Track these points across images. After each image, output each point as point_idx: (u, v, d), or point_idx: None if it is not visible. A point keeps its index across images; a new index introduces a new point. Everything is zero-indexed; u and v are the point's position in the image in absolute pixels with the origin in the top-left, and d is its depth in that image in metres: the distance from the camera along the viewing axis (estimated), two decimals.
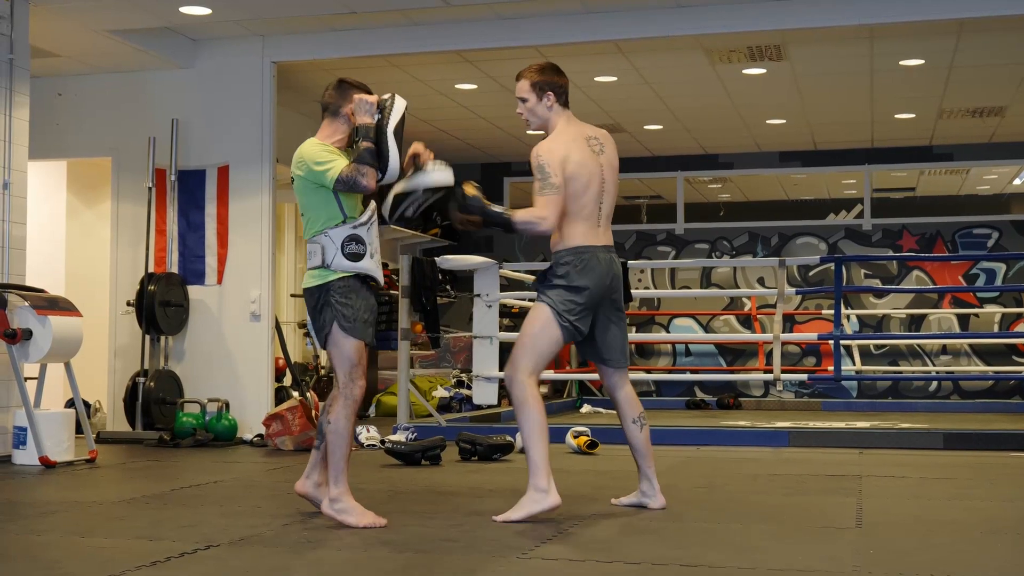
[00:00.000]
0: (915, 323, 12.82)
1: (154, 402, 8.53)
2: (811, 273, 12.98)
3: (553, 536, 4.27)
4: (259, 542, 4.19)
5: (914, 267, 12.77)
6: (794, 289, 10.16)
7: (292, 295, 11.63)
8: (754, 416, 10.82)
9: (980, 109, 10.98)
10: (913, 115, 11.27)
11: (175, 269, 8.90)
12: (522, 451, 7.46)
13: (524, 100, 4.89)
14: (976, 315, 12.64)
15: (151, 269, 8.81)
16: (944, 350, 12.71)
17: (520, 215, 4.75)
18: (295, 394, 8.80)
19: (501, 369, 7.41)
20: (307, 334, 11.07)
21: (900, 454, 7.46)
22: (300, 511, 4.88)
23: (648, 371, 13.21)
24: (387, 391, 11.33)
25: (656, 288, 13.40)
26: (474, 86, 10.08)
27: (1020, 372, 12.08)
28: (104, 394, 9.18)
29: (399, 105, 4.71)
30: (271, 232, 8.80)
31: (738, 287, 13.19)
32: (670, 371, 13.15)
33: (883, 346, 12.71)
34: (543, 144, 4.81)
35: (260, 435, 8.20)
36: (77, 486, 6.01)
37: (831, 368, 9.63)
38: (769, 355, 12.00)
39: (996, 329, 12.59)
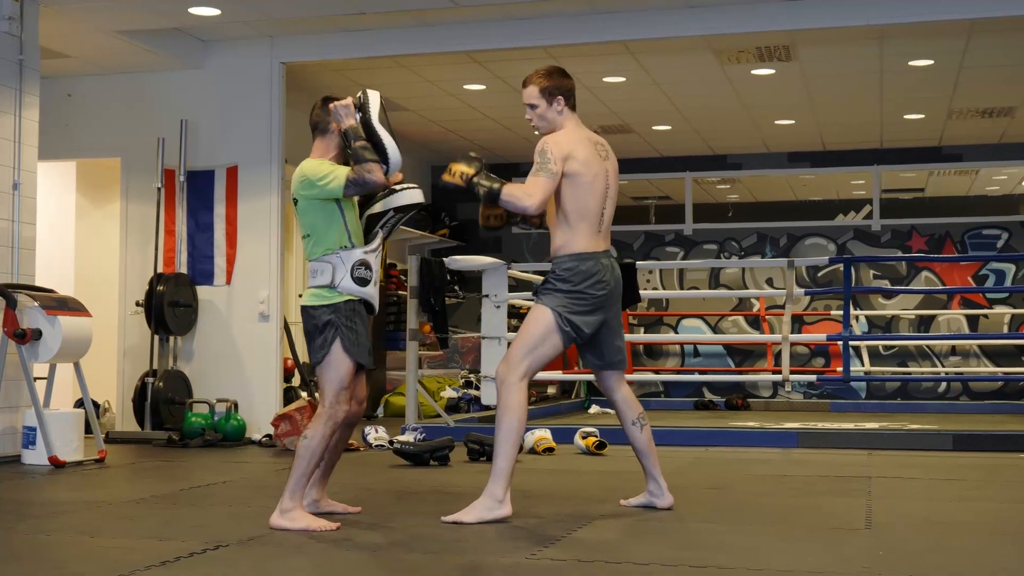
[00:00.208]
0: (924, 324, 12.79)
1: (163, 402, 8.54)
2: (820, 274, 12.96)
3: (562, 536, 4.27)
4: (268, 542, 4.19)
5: (923, 268, 12.75)
6: (803, 290, 10.16)
7: (301, 295, 11.63)
8: (763, 417, 10.80)
9: (989, 110, 10.95)
10: (922, 116, 11.25)
11: (184, 269, 8.91)
12: (531, 451, 7.51)
13: (534, 106, 4.86)
14: (985, 316, 12.61)
15: (160, 269, 8.83)
16: (953, 351, 12.68)
17: (508, 187, 4.69)
18: (304, 394, 8.82)
19: None
20: None
21: (909, 455, 7.45)
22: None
23: (656, 372, 13.21)
24: (395, 391, 11.34)
25: (664, 289, 13.39)
26: (483, 87, 10.08)
27: None
28: (113, 394, 9.19)
29: (373, 96, 4.71)
30: (280, 232, 8.81)
31: (747, 288, 13.17)
32: (678, 372, 13.15)
33: (892, 347, 12.69)
34: (551, 136, 4.80)
35: (269, 435, 8.20)
36: (86, 486, 6.02)
37: (840, 369, 9.62)
38: (778, 356, 11.97)
39: (1005, 330, 12.56)
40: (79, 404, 7.86)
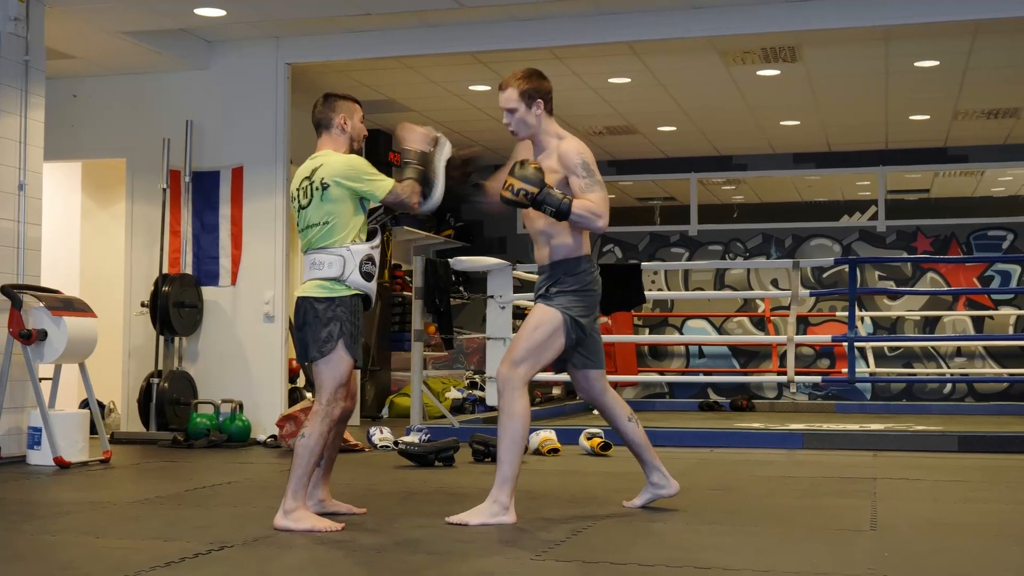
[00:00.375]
0: (929, 325, 12.78)
1: (168, 403, 8.54)
2: (825, 275, 12.95)
3: (567, 538, 4.27)
4: (273, 543, 4.19)
5: (928, 269, 12.73)
6: (808, 291, 10.14)
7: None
8: (768, 418, 10.79)
9: (995, 110, 10.94)
10: (928, 116, 11.24)
11: (189, 270, 8.92)
12: (536, 452, 7.51)
13: (512, 111, 4.74)
14: (991, 317, 12.60)
15: (165, 270, 8.83)
16: (959, 352, 12.67)
17: (579, 205, 4.57)
18: (308, 395, 8.82)
19: None
20: None
21: (914, 456, 7.44)
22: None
23: (661, 372, 13.20)
24: (400, 392, 11.34)
25: (669, 289, 13.39)
26: (487, 87, 10.08)
27: None
28: (118, 395, 9.20)
29: (447, 146, 4.78)
30: (285, 233, 8.82)
31: (752, 289, 13.17)
32: (683, 373, 13.15)
33: (897, 348, 12.68)
34: (577, 142, 4.71)
35: (274, 436, 8.21)
36: (91, 487, 6.02)
37: (845, 370, 9.62)
38: (783, 357, 11.99)
39: (1011, 331, 12.55)
40: (84, 405, 7.87)
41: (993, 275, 12.68)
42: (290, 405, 8.79)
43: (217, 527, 4.55)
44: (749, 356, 13.16)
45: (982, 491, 5.79)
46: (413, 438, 7.56)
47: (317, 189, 4.59)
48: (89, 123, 9.33)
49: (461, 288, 12.38)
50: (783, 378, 9.09)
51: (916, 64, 9.37)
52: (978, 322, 12.65)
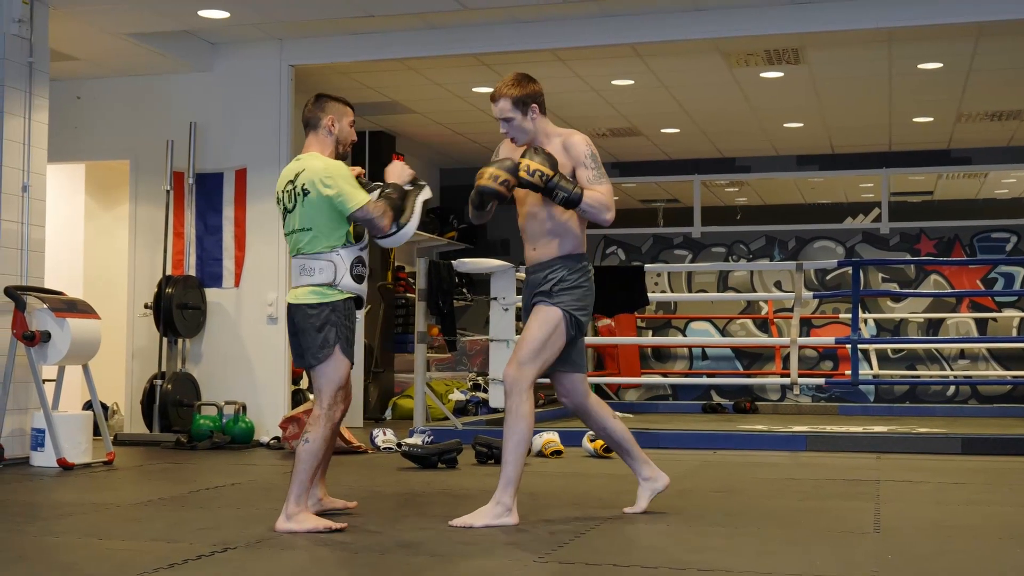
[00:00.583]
0: (933, 327, 12.77)
1: (171, 404, 8.55)
2: (828, 277, 12.94)
3: (570, 540, 4.27)
4: (276, 544, 4.20)
5: (932, 271, 12.71)
6: (811, 293, 10.13)
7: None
8: (771, 420, 10.79)
9: (999, 113, 10.93)
10: (931, 119, 11.23)
11: (192, 272, 8.93)
12: (539, 454, 7.50)
13: (509, 120, 4.71)
14: (994, 319, 12.58)
15: (169, 272, 8.84)
16: (962, 354, 12.65)
17: (590, 196, 4.58)
18: (312, 397, 8.81)
19: None
20: None
21: (918, 459, 7.43)
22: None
23: (664, 375, 13.20)
24: (403, 394, 11.34)
25: (673, 291, 13.37)
26: (490, 89, 10.05)
27: None
28: (121, 396, 9.21)
29: (427, 190, 4.78)
30: None
31: (755, 291, 13.15)
32: (687, 375, 13.14)
33: (900, 350, 12.66)
34: (583, 136, 4.71)
35: (277, 438, 8.21)
36: (95, 488, 6.03)
37: (848, 372, 9.60)
38: (786, 359, 11.98)
39: (1014, 333, 12.53)
40: (88, 406, 7.89)
41: (997, 277, 12.66)
42: (293, 407, 8.80)
43: (220, 529, 4.56)
44: (752, 358, 13.15)
45: (986, 493, 5.78)
46: (416, 440, 7.56)
47: (299, 194, 4.60)
48: (93, 125, 9.34)
49: (464, 290, 12.37)
50: (786, 380, 9.08)
51: (920, 66, 9.36)
52: (981, 324, 12.63)
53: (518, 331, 8.72)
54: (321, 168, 4.60)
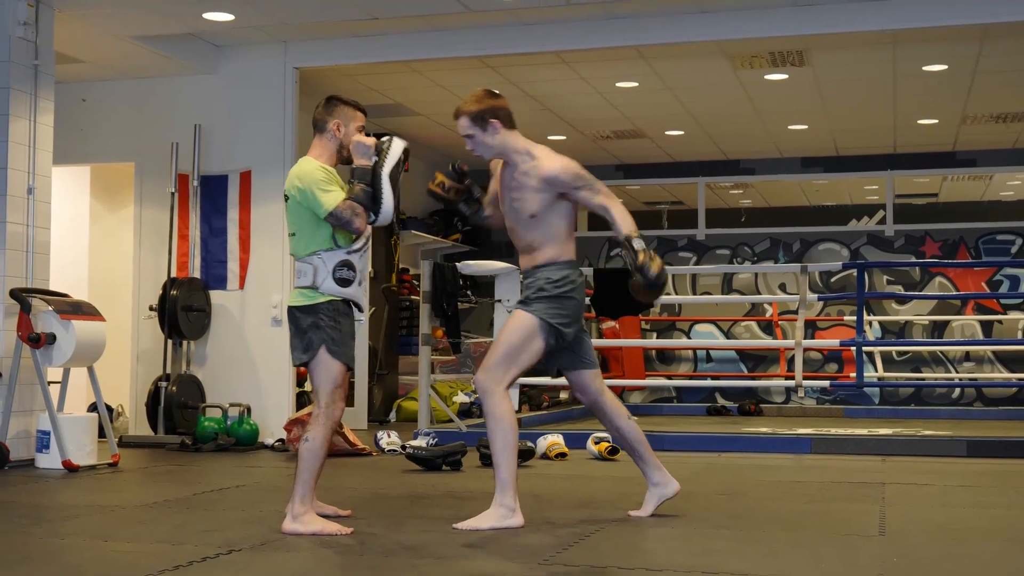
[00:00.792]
0: (938, 330, 12.75)
1: (176, 406, 8.56)
2: (833, 279, 12.93)
3: (575, 542, 4.27)
4: (281, 547, 4.20)
5: (937, 273, 12.70)
6: (816, 295, 10.13)
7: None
8: (776, 423, 10.78)
9: (1004, 115, 10.92)
10: (936, 121, 11.22)
11: (197, 274, 8.93)
12: (543, 456, 7.50)
13: (470, 136, 4.74)
14: (999, 322, 12.57)
15: (173, 274, 8.85)
16: (967, 357, 12.64)
17: (620, 216, 4.63)
18: None
19: None
20: None
21: (923, 461, 7.42)
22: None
23: (669, 377, 13.19)
24: (408, 396, 11.34)
25: (677, 294, 13.36)
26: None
27: None
28: (126, 398, 9.22)
29: (396, 148, 4.68)
30: None
31: (759, 293, 13.15)
32: (691, 377, 13.14)
33: (905, 353, 12.64)
34: (555, 161, 4.68)
35: (281, 440, 8.21)
36: (100, 490, 6.04)
37: (853, 375, 9.58)
38: (791, 361, 11.96)
39: (1020, 336, 12.51)
40: (93, 408, 7.88)
41: (1002, 279, 12.64)
42: (298, 409, 8.80)
43: (225, 531, 4.56)
44: (757, 360, 13.14)
45: (991, 496, 5.78)
46: (420, 442, 7.55)
47: (285, 198, 4.66)
48: (98, 127, 9.35)
49: (469, 292, 12.38)
50: (791, 382, 9.07)
51: (924, 68, 9.36)
52: (987, 327, 12.62)
53: None
54: (299, 171, 4.63)
